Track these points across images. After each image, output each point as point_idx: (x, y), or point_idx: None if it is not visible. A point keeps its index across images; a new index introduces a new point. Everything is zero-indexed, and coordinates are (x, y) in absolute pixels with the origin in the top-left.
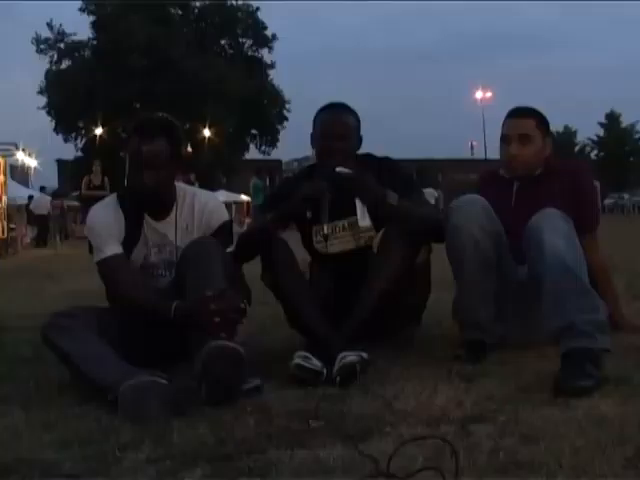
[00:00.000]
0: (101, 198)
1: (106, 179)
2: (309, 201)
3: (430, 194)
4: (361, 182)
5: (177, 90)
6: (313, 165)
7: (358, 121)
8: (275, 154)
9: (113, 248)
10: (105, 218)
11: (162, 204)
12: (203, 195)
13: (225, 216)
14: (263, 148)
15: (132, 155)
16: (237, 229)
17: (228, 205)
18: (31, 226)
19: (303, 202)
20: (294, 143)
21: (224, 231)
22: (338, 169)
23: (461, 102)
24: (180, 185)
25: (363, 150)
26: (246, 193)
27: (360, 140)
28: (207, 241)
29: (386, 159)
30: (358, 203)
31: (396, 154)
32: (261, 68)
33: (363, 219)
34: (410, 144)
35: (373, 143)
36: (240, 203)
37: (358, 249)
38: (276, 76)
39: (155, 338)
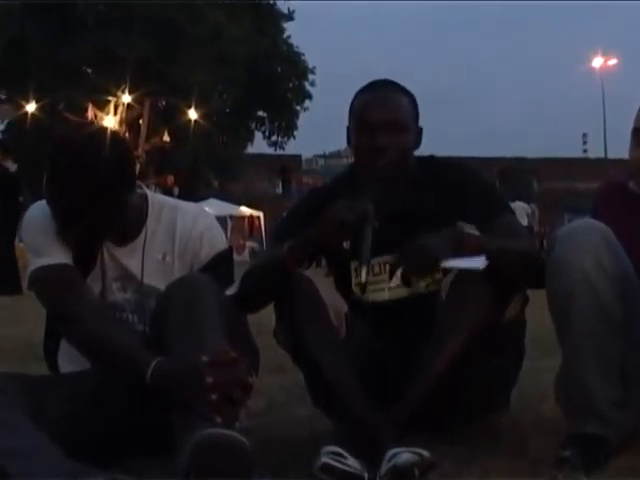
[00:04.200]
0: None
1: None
2: (347, 229)
3: (520, 210)
4: (423, 259)
5: (148, 50)
6: (350, 171)
7: (415, 106)
8: (292, 147)
9: (60, 257)
10: (48, 225)
11: (119, 225)
12: (189, 210)
13: (222, 242)
14: (274, 138)
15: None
16: (234, 258)
17: (222, 220)
18: None
19: (339, 230)
20: (320, 131)
21: (221, 265)
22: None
23: (568, 73)
24: (153, 195)
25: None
26: (249, 203)
27: (420, 134)
28: (198, 280)
29: (460, 167)
30: (446, 265)
31: (470, 149)
32: (274, 20)
33: (474, 261)
34: (491, 135)
35: (436, 132)
36: (239, 218)
37: (416, 297)
38: (296, 33)
39: (120, 416)
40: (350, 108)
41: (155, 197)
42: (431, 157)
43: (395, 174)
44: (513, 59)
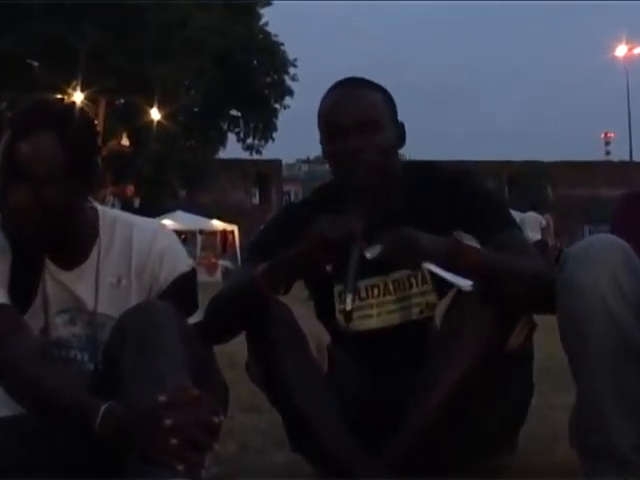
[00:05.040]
0: None
1: None
2: (332, 248)
3: (533, 222)
4: (410, 249)
5: (105, 40)
6: (332, 182)
7: (391, 101)
8: (271, 151)
9: None
10: None
11: (65, 245)
12: (146, 226)
13: (184, 263)
14: (250, 141)
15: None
16: (204, 279)
17: (190, 235)
18: None
19: (322, 249)
20: (303, 133)
21: (184, 289)
22: (368, 255)
23: (588, 64)
24: (104, 209)
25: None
26: (222, 215)
27: (402, 132)
28: (156, 307)
29: (456, 176)
30: (430, 267)
31: (474, 151)
32: (248, 5)
33: (458, 279)
34: (498, 135)
35: (433, 133)
36: (210, 233)
37: (407, 324)
38: (274, 20)
39: (69, 464)
40: (318, 114)
41: (107, 211)
42: (423, 163)
43: (377, 179)
44: (517, 53)
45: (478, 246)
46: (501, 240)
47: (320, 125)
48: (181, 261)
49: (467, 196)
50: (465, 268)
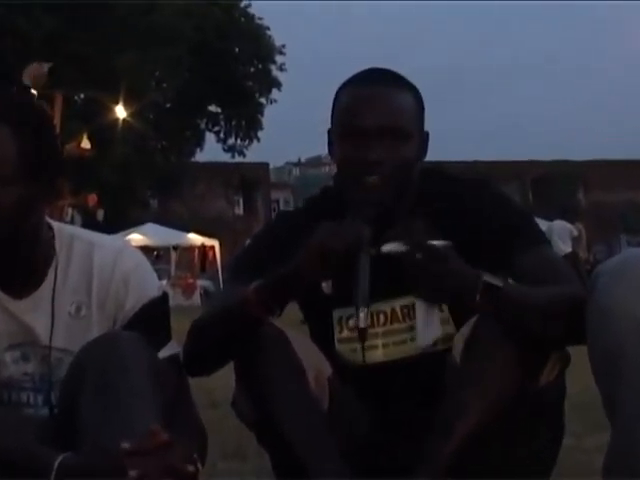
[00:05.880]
0: None
1: None
2: (332, 261)
3: (562, 232)
4: (438, 265)
5: (59, 27)
6: (331, 190)
7: (421, 106)
8: (256, 153)
9: None
10: None
11: (17, 268)
12: (108, 246)
13: (153, 287)
14: (232, 142)
15: None
16: (180, 303)
17: (164, 252)
18: None
19: (320, 262)
20: (293, 131)
21: (153, 317)
22: (385, 248)
23: (619, 49)
24: (60, 226)
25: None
26: (200, 228)
27: (425, 142)
28: (120, 339)
29: (476, 189)
30: (420, 305)
31: (492, 149)
32: None
33: (425, 332)
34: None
35: (444, 128)
36: (187, 248)
37: (419, 357)
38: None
39: None
40: (333, 106)
41: (63, 229)
42: (438, 170)
43: (392, 197)
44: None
45: (500, 284)
46: (528, 264)
47: (335, 122)
48: (150, 285)
49: (487, 212)
50: (487, 304)
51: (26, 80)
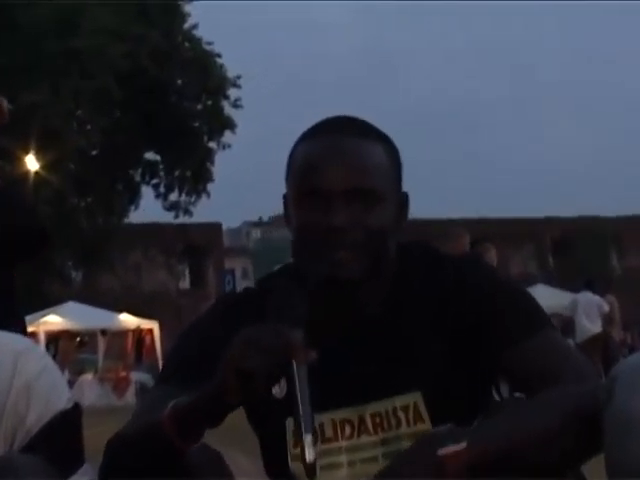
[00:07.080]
0: None
1: None
2: (255, 381)
3: (589, 307)
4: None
5: None
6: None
7: (397, 161)
8: (206, 211)
9: None
10: None
11: None
12: (6, 346)
13: (62, 398)
14: (174, 198)
15: None
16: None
17: (87, 337)
18: None
19: (239, 383)
20: (252, 183)
21: (62, 435)
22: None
23: None
24: None
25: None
26: (135, 307)
27: (404, 205)
28: (17, 465)
29: (463, 269)
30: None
31: (510, 205)
32: (169, 4)
33: None
34: (537, 179)
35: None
36: (118, 333)
37: None
38: (206, 20)
39: None
40: (288, 165)
41: None
42: (421, 245)
43: (362, 272)
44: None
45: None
46: (518, 360)
47: (290, 183)
48: (57, 395)
49: (473, 296)
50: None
51: None
